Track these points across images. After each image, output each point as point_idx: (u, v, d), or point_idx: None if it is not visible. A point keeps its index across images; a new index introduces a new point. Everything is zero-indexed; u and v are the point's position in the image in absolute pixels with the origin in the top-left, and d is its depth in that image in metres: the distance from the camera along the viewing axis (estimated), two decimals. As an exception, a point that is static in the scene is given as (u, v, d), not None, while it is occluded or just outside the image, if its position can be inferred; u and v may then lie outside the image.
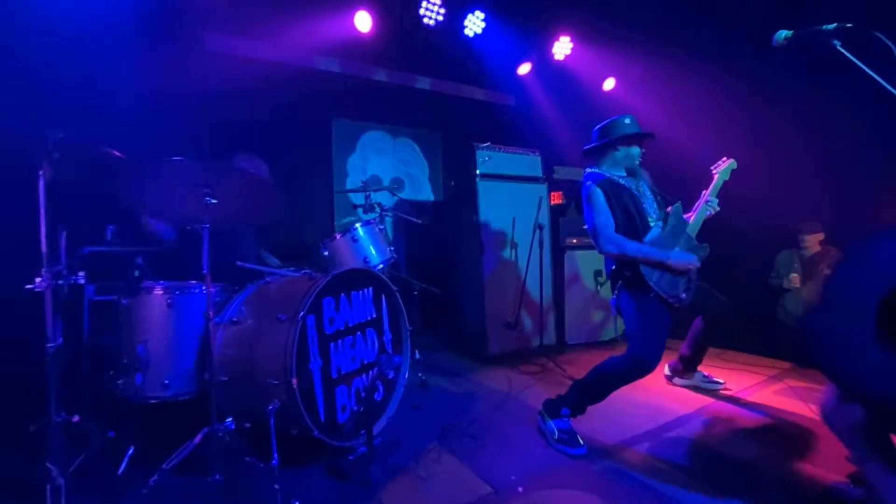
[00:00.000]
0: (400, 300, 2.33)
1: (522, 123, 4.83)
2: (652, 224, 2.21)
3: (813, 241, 3.70)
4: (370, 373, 2.16)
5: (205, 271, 1.74)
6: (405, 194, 4.70)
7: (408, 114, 4.74)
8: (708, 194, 2.37)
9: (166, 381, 1.88)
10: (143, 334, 1.89)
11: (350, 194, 4.20)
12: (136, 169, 1.68)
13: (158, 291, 1.92)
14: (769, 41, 1.81)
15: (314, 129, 4.23)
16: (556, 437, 2.08)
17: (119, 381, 1.89)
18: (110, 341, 1.99)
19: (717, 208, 2.35)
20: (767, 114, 3.93)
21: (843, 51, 1.62)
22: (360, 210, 3.15)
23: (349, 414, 2.02)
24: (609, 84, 4.78)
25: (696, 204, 2.37)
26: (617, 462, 1.98)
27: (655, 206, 2.29)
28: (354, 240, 2.51)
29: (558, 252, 3.90)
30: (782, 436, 2.24)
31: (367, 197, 3.03)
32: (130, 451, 1.86)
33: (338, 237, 2.54)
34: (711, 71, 4.11)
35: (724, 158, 2.51)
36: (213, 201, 1.80)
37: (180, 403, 1.91)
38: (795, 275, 3.73)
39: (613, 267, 2.23)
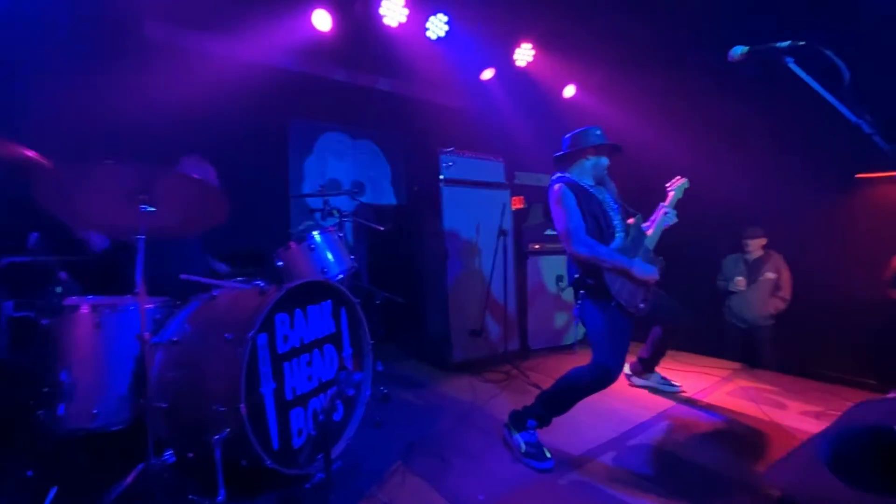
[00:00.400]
0: (361, 312, 2.21)
1: (485, 128, 4.81)
2: (617, 234, 2.24)
3: (756, 246, 3.91)
4: (328, 392, 2.03)
5: (138, 287, 1.56)
6: (366, 198, 4.56)
7: (369, 115, 4.61)
8: (667, 205, 2.43)
9: (95, 411, 1.67)
10: (67, 359, 1.67)
11: (308, 199, 4.01)
12: (58, 173, 1.48)
13: (85, 310, 1.71)
14: (723, 57, 1.85)
15: (270, 130, 4.02)
16: (523, 451, 2.04)
17: (39, 412, 1.66)
18: (29, 366, 1.75)
19: (676, 220, 2.41)
20: (717, 128, 4.12)
21: (794, 68, 1.67)
22: (317, 216, 3.00)
23: (305, 438, 1.88)
24: (569, 91, 4.86)
25: (654, 216, 2.42)
26: (583, 475, 1.96)
27: (619, 216, 2.32)
28: (311, 248, 2.37)
29: (522, 258, 3.90)
30: (737, 438, 2.31)
31: (325, 202, 2.89)
32: (53, 493, 1.64)
33: (293, 246, 2.39)
34: (667, 85, 4.26)
35: (678, 178, 2.57)
36: (151, 209, 1.63)
37: (112, 435, 1.71)
38: (741, 278, 3.92)
39: (577, 275, 2.23)
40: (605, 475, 1.96)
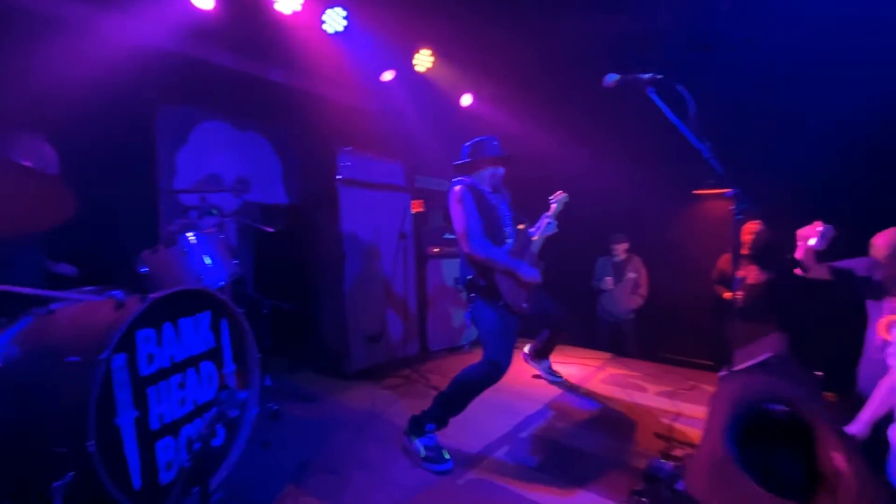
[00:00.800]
0: (246, 324, 2.00)
1: (386, 131, 4.74)
2: (508, 239, 2.38)
3: (621, 250, 4.48)
4: (206, 415, 1.80)
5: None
6: (253, 196, 4.17)
7: (258, 107, 4.21)
8: (550, 216, 2.64)
9: None
10: None
11: (182, 196, 3.53)
12: None
13: None
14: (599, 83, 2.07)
15: (134, 114, 3.43)
16: (422, 456, 2.04)
17: None
18: None
19: (556, 230, 2.64)
20: (592, 145, 4.62)
21: (653, 97, 1.94)
22: (193, 214, 2.64)
23: (177, 472, 1.63)
24: (466, 100, 5.03)
25: (538, 224, 2.62)
26: (480, 473, 2.02)
27: (511, 222, 2.46)
28: (185, 252, 2.08)
29: (422, 261, 3.92)
30: (609, 420, 2.61)
31: (202, 199, 2.56)
32: None
33: (162, 249, 2.07)
34: (553, 102, 4.66)
35: (560, 192, 2.81)
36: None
37: None
38: (609, 278, 4.45)
39: (470, 277, 2.31)
40: (499, 470, 2.05)
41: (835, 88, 3.32)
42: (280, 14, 3.44)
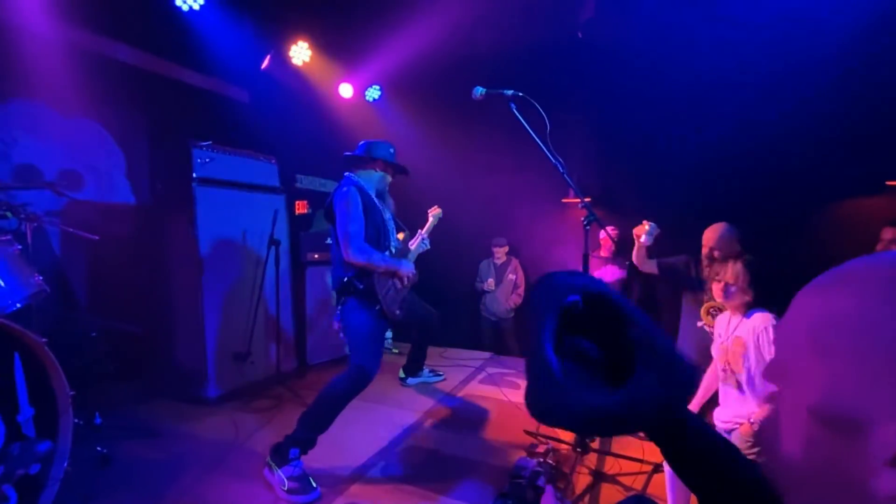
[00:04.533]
0: (50, 355, 1.62)
1: (258, 125, 4.33)
2: (391, 247, 2.38)
3: (501, 253, 4.72)
4: (-14, 478, 1.40)
5: None
6: (86, 194, 3.48)
7: (94, 89, 3.52)
8: (424, 233, 2.73)
9: None
10: None
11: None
12: None
13: None
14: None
15: None
16: (286, 488, 1.86)
17: None
18: None
19: (428, 247, 2.74)
20: (475, 154, 4.81)
21: (515, 112, 2.04)
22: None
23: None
24: (346, 90, 4.80)
25: (415, 238, 2.70)
26: (351, 496, 1.92)
27: (393, 232, 2.45)
28: (-41, 269, 1.60)
29: (299, 268, 3.65)
30: (483, 422, 2.69)
31: (-5, 200, 2.03)
32: None
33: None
34: (434, 111, 4.72)
35: (436, 207, 2.89)
36: None
37: None
38: (491, 279, 4.67)
39: (346, 279, 2.23)
40: (371, 490, 1.97)
41: (695, 108, 3.84)
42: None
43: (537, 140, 1.97)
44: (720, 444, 0.56)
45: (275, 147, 3.80)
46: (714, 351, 2.21)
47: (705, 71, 3.65)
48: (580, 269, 2.20)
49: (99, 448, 2.11)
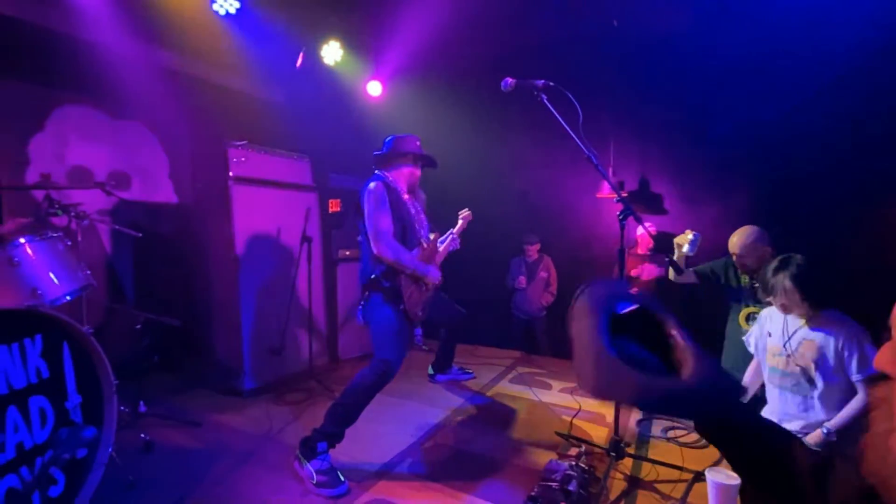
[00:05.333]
0: (96, 345, 1.70)
1: (292, 124, 4.42)
2: (421, 243, 2.36)
3: (533, 251, 4.62)
4: (39, 460, 1.49)
5: None
6: (133, 194, 3.67)
7: (138, 92, 3.69)
8: (455, 233, 2.71)
9: None
10: None
11: (35, 193, 2.97)
12: None
13: None
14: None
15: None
16: (315, 482, 1.88)
17: None
18: None
19: (459, 247, 2.75)
20: (505, 148, 4.72)
21: (546, 103, 1.97)
22: (39, 214, 2.21)
23: (-12, 537, 1.32)
24: (375, 89, 4.81)
25: (445, 237, 2.68)
26: (377, 492, 1.91)
27: (423, 228, 2.44)
28: (14, 262, 1.70)
29: (331, 265, 3.71)
30: (513, 422, 2.63)
31: (47, 197, 2.16)
32: None
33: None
34: (467, 106, 4.68)
35: (467, 210, 2.83)
36: None
37: None
38: (522, 277, 4.57)
39: (373, 276, 2.23)
40: (398, 486, 1.96)
41: (738, 93, 3.61)
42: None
43: (569, 131, 1.90)
44: (774, 427, 0.59)
45: (307, 146, 3.87)
46: (761, 353, 2.07)
47: (752, 56, 3.43)
48: (617, 265, 2.12)
49: (143, 435, 2.22)
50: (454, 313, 2.83)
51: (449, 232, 2.71)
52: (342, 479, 1.89)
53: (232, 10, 3.31)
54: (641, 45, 3.79)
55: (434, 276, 2.34)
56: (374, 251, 2.18)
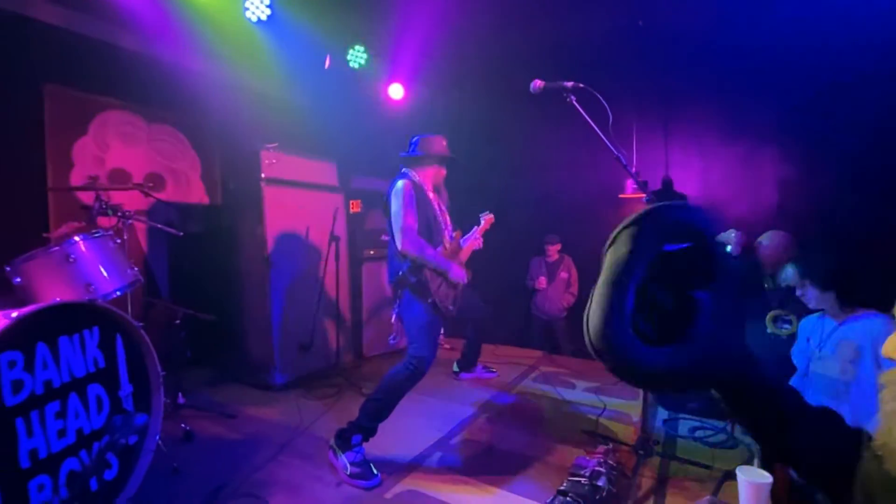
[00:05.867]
0: (145, 338, 1.79)
1: (318, 127, 4.52)
2: (443, 241, 2.41)
3: (553, 251, 4.63)
4: (95, 445, 1.58)
5: None
6: (167, 195, 3.81)
7: (172, 96, 3.85)
8: (478, 233, 2.78)
9: None
10: None
11: (80, 194, 3.13)
12: None
13: None
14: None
15: (14, 96, 2.99)
16: (349, 473, 1.95)
17: None
18: None
19: (481, 246, 2.81)
20: (526, 148, 4.74)
21: (576, 105, 2.00)
22: (89, 214, 2.34)
23: (54, 514, 1.42)
24: (396, 92, 4.87)
25: (469, 235, 2.75)
26: (409, 483, 1.97)
27: (447, 226, 2.50)
28: (70, 259, 1.81)
29: (356, 264, 3.79)
30: (537, 419, 2.66)
31: (98, 198, 2.28)
32: None
33: (39, 256, 1.79)
34: (487, 107, 4.72)
35: (489, 213, 2.88)
36: None
37: None
38: (542, 277, 4.58)
39: (400, 273, 2.29)
40: (428, 478, 2.01)
41: (765, 90, 3.56)
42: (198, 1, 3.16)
43: (599, 132, 1.92)
44: (787, 389, 0.56)
45: (333, 148, 3.96)
46: (797, 356, 2.06)
47: (780, 50, 3.37)
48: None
49: (182, 425, 2.32)
50: (480, 310, 2.87)
51: (473, 230, 2.77)
52: (375, 471, 1.96)
53: (263, 17, 3.42)
54: (666, 42, 3.76)
55: (457, 273, 2.36)
56: (399, 247, 2.25)
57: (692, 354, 0.50)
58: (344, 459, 1.97)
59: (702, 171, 4.04)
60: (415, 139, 2.52)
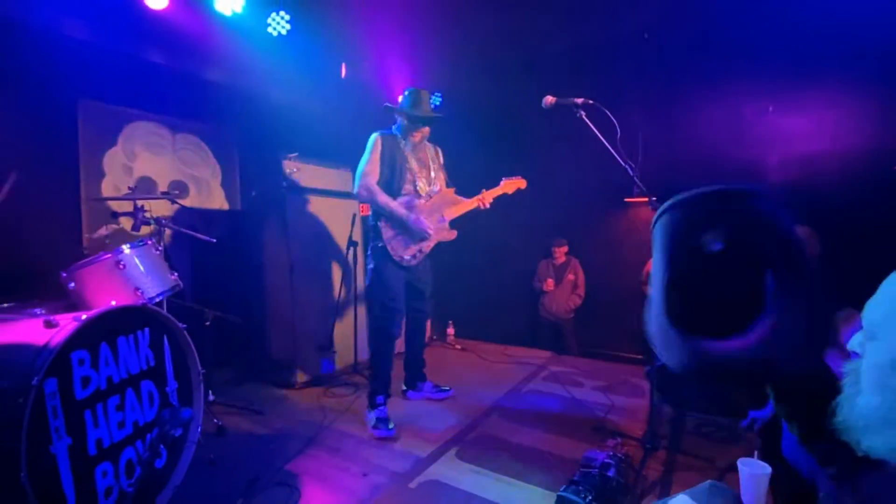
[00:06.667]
0: (188, 339, 1.95)
1: (333, 135, 4.68)
2: (409, 192, 2.56)
3: (560, 253, 4.75)
4: (148, 436, 1.73)
5: None
6: (190, 201, 3.98)
7: (194, 107, 4.02)
8: (487, 193, 2.72)
9: None
10: None
11: (110, 203, 3.29)
12: None
13: None
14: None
15: (49, 110, 3.16)
16: (371, 425, 2.38)
17: None
18: None
19: (487, 206, 2.70)
20: (534, 151, 4.87)
21: (585, 120, 2.13)
22: (131, 223, 2.49)
23: (117, 496, 1.57)
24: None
25: (476, 197, 2.73)
26: (430, 474, 2.10)
27: (422, 179, 2.61)
28: (121, 266, 1.97)
29: (370, 267, 3.93)
30: (549, 416, 2.78)
31: (138, 206, 2.43)
32: None
33: (92, 263, 1.95)
34: (495, 113, 4.85)
35: (519, 177, 2.92)
36: None
37: None
38: (550, 279, 4.71)
39: (371, 244, 2.55)
40: (448, 471, 2.14)
41: (768, 97, 3.67)
42: (221, 14, 3.32)
43: (608, 146, 2.05)
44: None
45: (349, 155, 4.11)
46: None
47: (782, 60, 3.49)
48: (647, 268, 2.24)
49: (215, 420, 2.47)
50: (420, 299, 2.73)
51: (481, 192, 2.73)
52: (391, 426, 2.39)
53: (283, 32, 3.58)
54: (670, 52, 3.88)
55: (416, 222, 2.43)
56: (354, 191, 2.47)
57: (749, 349, 0.48)
58: (371, 415, 2.46)
59: (705, 177, 4.14)
60: (406, 91, 2.65)
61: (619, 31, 3.94)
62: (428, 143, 2.74)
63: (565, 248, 4.74)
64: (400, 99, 2.65)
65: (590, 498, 1.75)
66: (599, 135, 2.10)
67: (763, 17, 3.39)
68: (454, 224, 2.73)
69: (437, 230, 2.57)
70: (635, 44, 3.95)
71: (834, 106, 3.43)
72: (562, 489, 1.84)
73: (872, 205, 3.20)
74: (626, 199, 4.77)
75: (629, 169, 2.08)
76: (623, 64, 4.06)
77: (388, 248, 2.40)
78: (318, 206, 3.46)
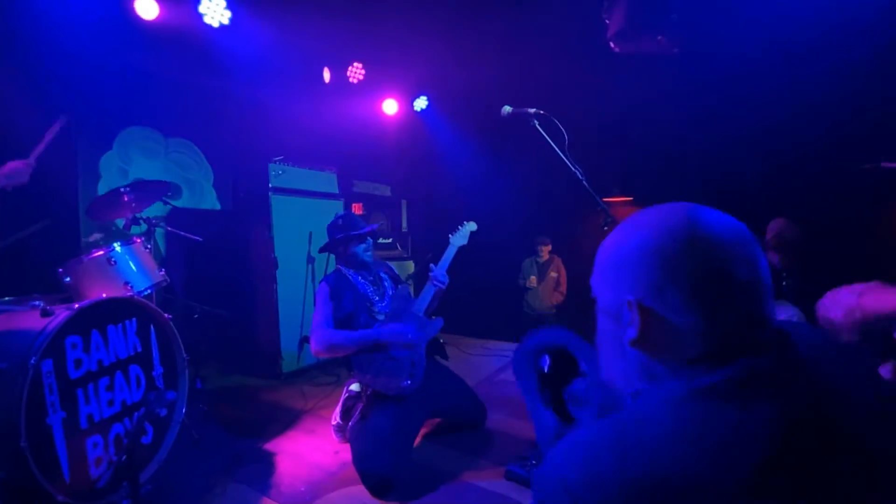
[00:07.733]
0: (174, 329, 2.14)
1: (320, 137, 4.86)
2: (381, 317, 2.26)
3: (544, 251, 4.92)
4: (135, 414, 1.93)
5: None
6: (184, 202, 4.17)
7: (186, 112, 4.21)
8: (436, 269, 2.33)
9: None
10: None
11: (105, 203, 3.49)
12: None
13: None
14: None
15: (47, 117, 3.34)
16: None
17: None
18: None
19: (443, 284, 2.30)
20: (519, 152, 5.04)
21: (539, 128, 2.31)
22: (121, 224, 2.69)
23: (106, 466, 1.76)
24: (391, 108, 5.21)
25: (426, 288, 2.36)
26: (420, 460, 2.26)
27: (386, 295, 2.36)
28: (112, 262, 2.16)
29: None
30: (517, 403, 2.94)
31: (131, 208, 2.62)
32: None
33: (85, 259, 2.14)
34: (480, 114, 5.01)
35: (465, 222, 2.55)
36: None
37: None
38: (533, 276, 4.88)
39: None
40: (437, 456, 2.25)
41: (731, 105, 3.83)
42: (209, 25, 3.50)
43: (559, 152, 2.24)
44: None
45: (334, 156, 4.30)
46: None
47: (740, 67, 3.66)
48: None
49: (201, 405, 2.66)
50: (464, 405, 2.44)
51: (455, 233, 2.48)
52: None
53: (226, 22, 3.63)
54: (645, 66, 4.05)
55: (391, 334, 2.08)
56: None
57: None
58: None
59: (678, 175, 4.30)
60: (329, 226, 2.41)
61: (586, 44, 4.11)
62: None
63: (549, 247, 4.91)
64: (331, 230, 2.39)
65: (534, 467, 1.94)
66: (552, 143, 2.29)
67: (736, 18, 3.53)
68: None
69: (425, 330, 2.24)
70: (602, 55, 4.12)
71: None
72: (509, 465, 2.03)
73: (841, 200, 3.34)
74: (605, 199, 4.94)
75: (578, 173, 2.26)
76: (590, 76, 4.22)
77: (378, 389, 2.07)
78: (301, 207, 3.65)
